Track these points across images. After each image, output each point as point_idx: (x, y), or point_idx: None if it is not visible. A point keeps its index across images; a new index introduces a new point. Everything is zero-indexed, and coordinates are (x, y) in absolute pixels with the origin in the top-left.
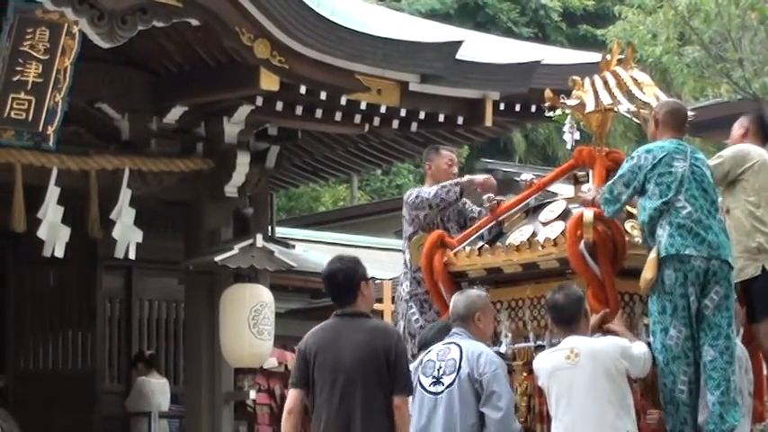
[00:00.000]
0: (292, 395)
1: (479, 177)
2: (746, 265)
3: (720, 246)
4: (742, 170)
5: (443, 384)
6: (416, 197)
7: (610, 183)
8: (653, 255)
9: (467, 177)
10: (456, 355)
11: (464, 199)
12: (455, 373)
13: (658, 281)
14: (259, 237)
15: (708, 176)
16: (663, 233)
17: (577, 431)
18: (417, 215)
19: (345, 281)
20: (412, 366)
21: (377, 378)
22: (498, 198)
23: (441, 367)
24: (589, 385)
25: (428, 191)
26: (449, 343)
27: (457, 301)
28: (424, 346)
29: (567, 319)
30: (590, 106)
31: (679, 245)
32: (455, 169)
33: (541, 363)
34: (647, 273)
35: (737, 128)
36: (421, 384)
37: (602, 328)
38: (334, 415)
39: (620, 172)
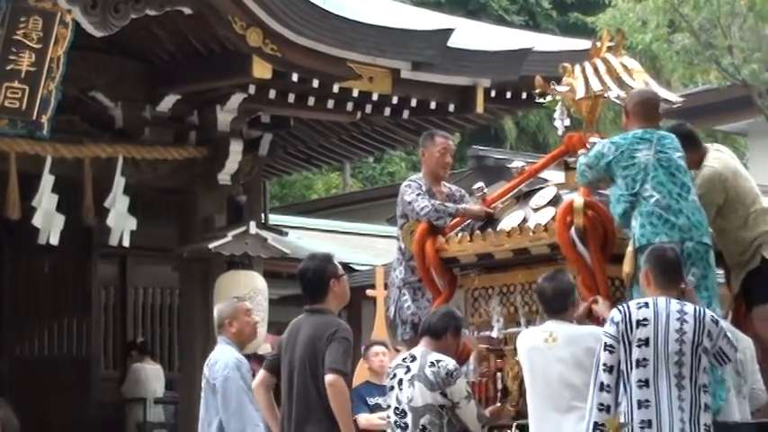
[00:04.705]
0: (260, 374)
1: (474, 210)
2: (750, 262)
3: (693, 227)
4: (725, 194)
5: None
6: (409, 203)
7: (583, 159)
8: (629, 247)
9: (462, 208)
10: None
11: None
12: None
13: (636, 271)
14: (252, 224)
15: (675, 160)
16: (636, 224)
17: (545, 413)
18: (407, 215)
19: (314, 278)
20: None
21: (315, 375)
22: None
23: None
24: (562, 370)
25: (421, 205)
26: None
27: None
28: (428, 331)
29: (556, 310)
30: (580, 93)
31: (650, 234)
32: (449, 158)
33: (522, 340)
34: (626, 267)
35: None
36: None
37: (590, 316)
38: (286, 410)
39: (588, 153)
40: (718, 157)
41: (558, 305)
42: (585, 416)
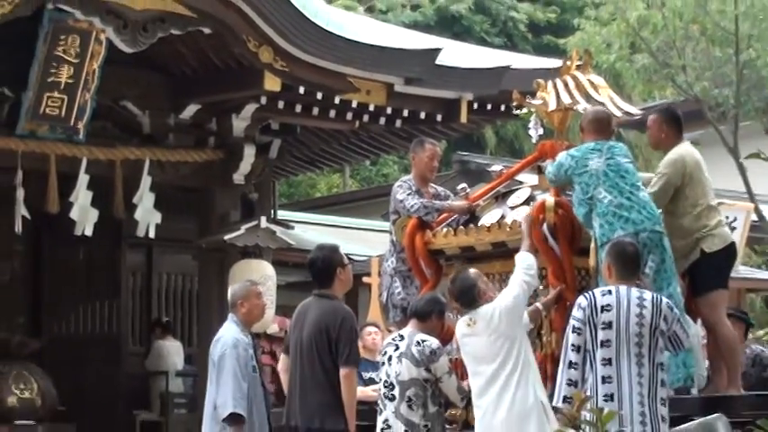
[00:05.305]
0: (282, 360)
1: (458, 206)
2: (690, 253)
3: (645, 219)
4: (682, 179)
5: None
6: (400, 202)
7: (549, 167)
8: (592, 244)
9: (447, 204)
10: None
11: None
12: None
13: (599, 264)
14: (263, 219)
15: (624, 164)
16: (596, 225)
17: (481, 387)
18: (398, 212)
19: (323, 266)
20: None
21: (322, 353)
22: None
23: None
24: (487, 348)
25: (411, 203)
26: None
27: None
28: (416, 314)
29: (467, 304)
30: (552, 105)
31: (608, 231)
32: (436, 162)
33: (456, 331)
34: (591, 261)
35: (656, 130)
36: None
37: (557, 302)
38: (292, 385)
39: (554, 162)
40: (686, 148)
41: (466, 300)
42: (511, 389)
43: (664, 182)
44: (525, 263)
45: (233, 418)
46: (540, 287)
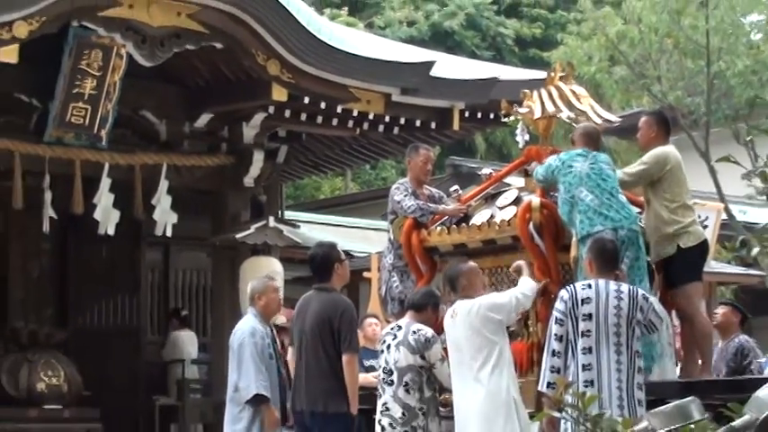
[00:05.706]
0: (290, 350)
1: (450, 210)
2: (666, 245)
3: (623, 218)
4: (663, 172)
5: None
6: (398, 203)
7: (539, 168)
8: (574, 239)
9: (441, 208)
10: None
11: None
12: None
13: (580, 258)
14: (271, 219)
15: (605, 170)
16: (577, 221)
17: (458, 373)
18: (396, 212)
19: (322, 262)
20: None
21: (325, 341)
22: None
23: None
24: (464, 340)
25: (408, 204)
26: None
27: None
28: (412, 306)
29: (453, 288)
30: (537, 113)
31: (588, 226)
32: (430, 166)
33: (444, 321)
34: (572, 252)
35: (647, 129)
36: None
37: (543, 295)
38: (296, 372)
39: (543, 164)
40: (671, 148)
41: (449, 285)
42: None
43: (641, 170)
44: (528, 285)
45: (258, 399)
46: None
